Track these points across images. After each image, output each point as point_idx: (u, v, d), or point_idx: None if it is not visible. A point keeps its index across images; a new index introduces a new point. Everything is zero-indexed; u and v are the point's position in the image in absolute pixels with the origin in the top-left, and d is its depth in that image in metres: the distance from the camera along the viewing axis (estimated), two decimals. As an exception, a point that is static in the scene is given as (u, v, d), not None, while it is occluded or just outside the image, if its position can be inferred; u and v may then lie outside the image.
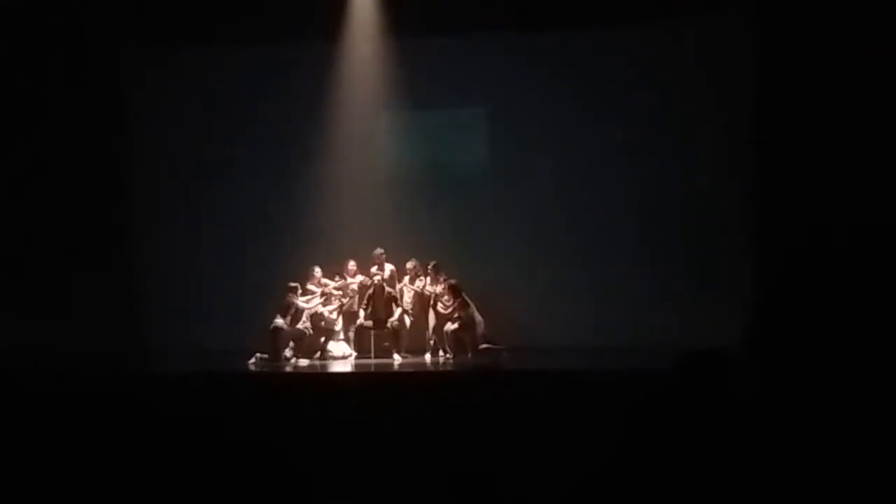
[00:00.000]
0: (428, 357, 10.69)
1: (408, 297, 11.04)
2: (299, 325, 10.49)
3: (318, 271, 11.03)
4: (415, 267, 11.09)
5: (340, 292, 10.95)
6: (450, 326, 10.47)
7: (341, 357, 10.70)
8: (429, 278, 10.98)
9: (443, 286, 10.74)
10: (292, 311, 10.47)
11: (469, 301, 10.46)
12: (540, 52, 11.62)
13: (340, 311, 10.93)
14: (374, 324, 10.74)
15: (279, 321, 10.37)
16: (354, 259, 11.22)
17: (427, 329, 10.90)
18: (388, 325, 10.65)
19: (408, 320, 10.95)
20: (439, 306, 10.75)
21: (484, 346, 10.36)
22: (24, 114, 11.17)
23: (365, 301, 10.88)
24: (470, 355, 10.28)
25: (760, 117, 10.16)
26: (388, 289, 10.84)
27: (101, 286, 11.35)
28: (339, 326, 10.96)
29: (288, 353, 10.35)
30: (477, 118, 11.76)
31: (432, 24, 11.24)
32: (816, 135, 9.52)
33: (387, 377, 9.45)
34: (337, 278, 11.08)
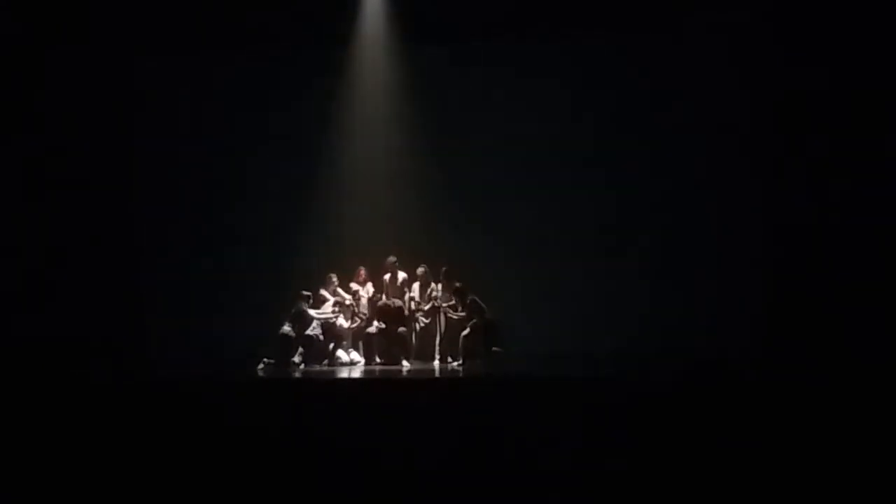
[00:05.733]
0: (436, 364, 10.68)
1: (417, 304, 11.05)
2: (308, 332, 10.49)
3: (334, 278, 11.04)
4: (424, 273, 11.09)
5: (351, 301, 10.94)
6: (463, 332, 10.42)
7: (349, 363, 10.70)
8: (440, 285, 10.98)
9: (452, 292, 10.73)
10: (302, 318, 10.49)
11: (479, 301, 10.41)
12: (546, 61, 11.66)
13: (353, 320, 10.93)
14: (383, 330, 10.75)
15: (286, 328, 10.41)
16: (364, 265, 11.25)
17: (436, 335, 10.91)
18: (397, 331, 10.68)
19: (418, 326, 10.98)
20: (450, 313, 10.74)
21: (495, 349, 10.29)
22: (36, 119, 11.15)
23: (375, 308, 10.91)
24: (478, 361, 10.24)
25: (766, 126, 10.13)
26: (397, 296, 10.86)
27: (108, 292, 11.40)
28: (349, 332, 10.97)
29: (297, 358, 10.37)
30: (484, 125, 11.78)
31: (442, 32, 11.33)
32: (825, 143, 9.48)
33: (394, 383, 9.43)
34: (355, 288, 11.06)
